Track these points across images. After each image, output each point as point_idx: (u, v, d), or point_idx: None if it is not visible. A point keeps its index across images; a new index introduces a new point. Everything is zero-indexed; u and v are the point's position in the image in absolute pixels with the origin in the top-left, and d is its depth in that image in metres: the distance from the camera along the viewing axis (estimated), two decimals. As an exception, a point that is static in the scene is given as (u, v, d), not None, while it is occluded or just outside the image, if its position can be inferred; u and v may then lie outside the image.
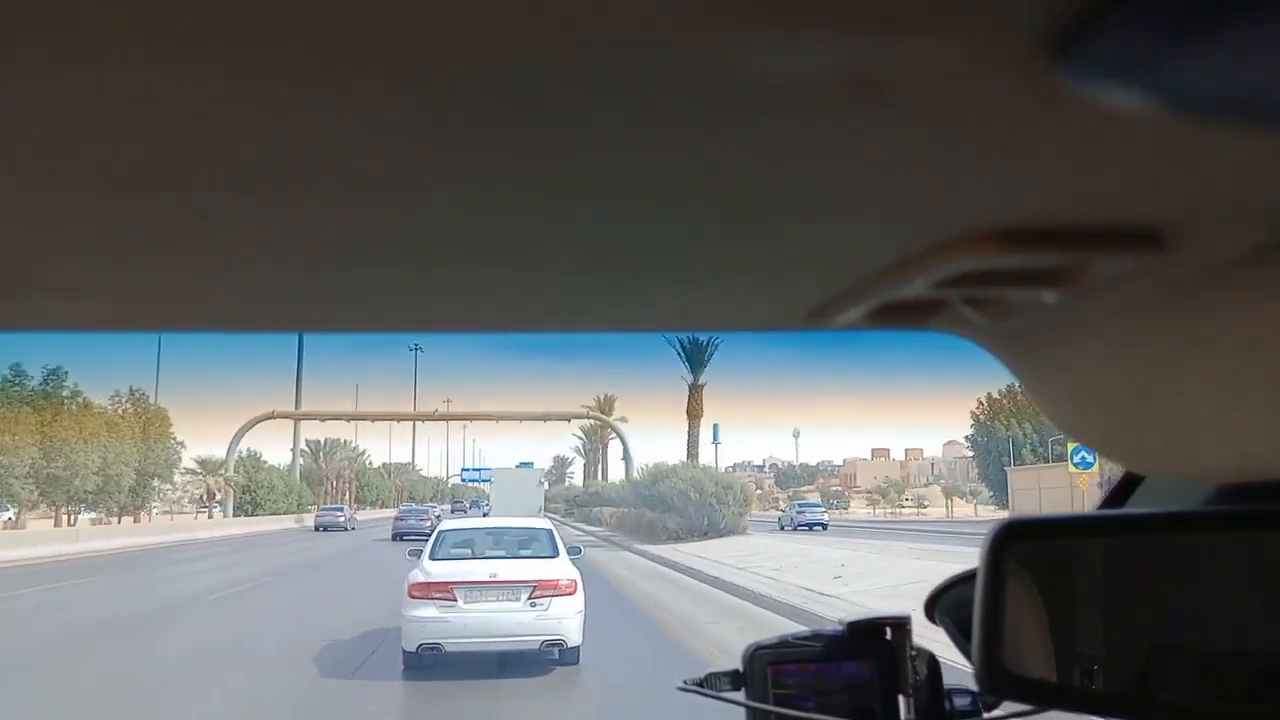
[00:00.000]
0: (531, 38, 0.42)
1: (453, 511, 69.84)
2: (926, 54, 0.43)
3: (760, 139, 0.53)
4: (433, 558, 11.17)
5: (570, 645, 10.30)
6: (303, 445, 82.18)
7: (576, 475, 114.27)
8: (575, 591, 10.44)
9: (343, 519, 49.39)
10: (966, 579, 1.11)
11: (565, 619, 10.23)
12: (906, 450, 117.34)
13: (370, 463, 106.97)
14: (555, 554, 11.31)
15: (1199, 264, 0.68)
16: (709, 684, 1.29)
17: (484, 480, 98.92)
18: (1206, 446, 0.81)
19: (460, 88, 0.47)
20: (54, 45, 0.43)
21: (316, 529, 47.58)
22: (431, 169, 0.58)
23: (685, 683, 1.31)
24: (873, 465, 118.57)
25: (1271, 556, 0.87)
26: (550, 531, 12.03)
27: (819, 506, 56.71)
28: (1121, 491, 1.13)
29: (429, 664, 10.15)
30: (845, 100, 0.47)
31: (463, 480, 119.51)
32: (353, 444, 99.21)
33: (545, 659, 10.35)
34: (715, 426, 55.46)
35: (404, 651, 10.21)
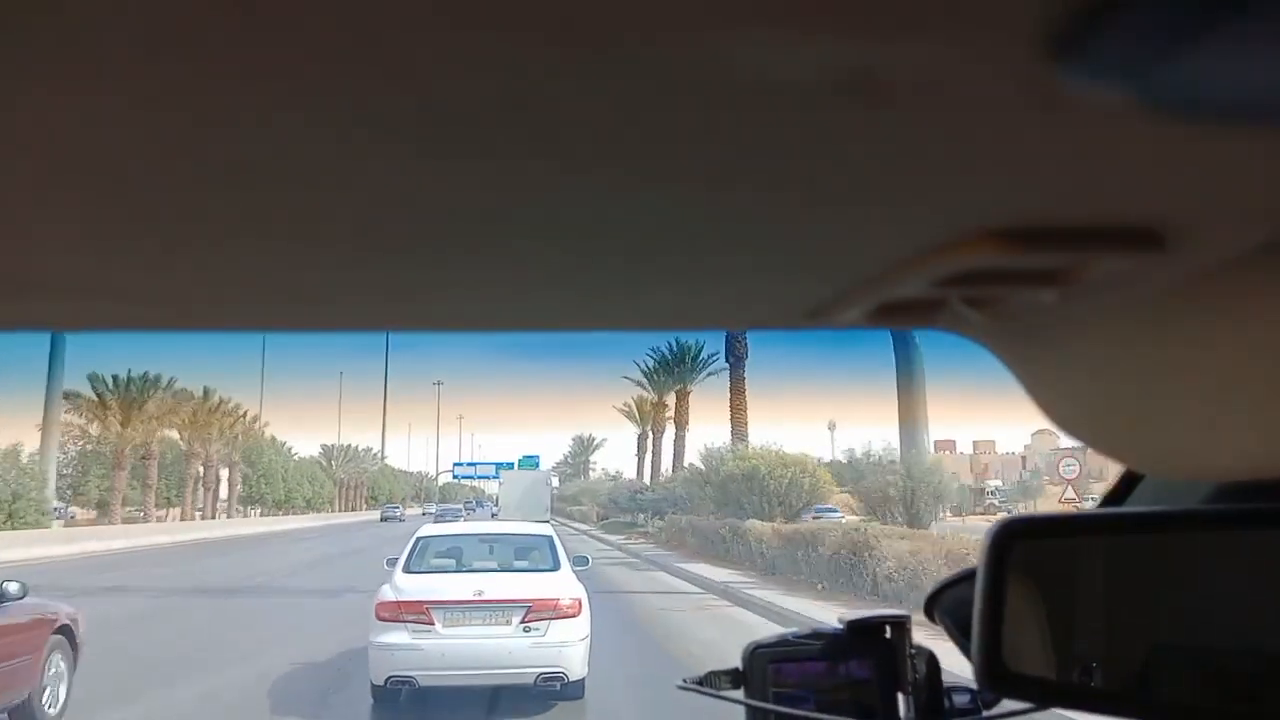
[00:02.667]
0: (530, 37, 0.42)
1: (464, 510, 68.10)
2: (926, 54, 0.43)
3: (760, 139, 0.53)
4: (407, 570, 9.35)
5: (572, 679, 8.54)
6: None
7: (608, 460, 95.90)
8: (580, 613, 8.72)
9: (399, 514, 69.27)
10: (966, 578, 1.11)
11: (567, 647, 8.54)
12: (975, 443, 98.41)
13: (275, 439, 67.29)
14: (556, 566, 9.53)
15: (1199, 264, 0.68)
16: (709, 683, 1.29)
17: (481, 477, 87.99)
18: (1206, 445, 0.81)
19: (459, 87, 0.47)
20: (54, 45, 0.43)
21: (382, 520, 65.71)
22: (430, 168, 0.58)
23: (685, 681, 1.31)
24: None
25: (1272, 555, 0.87)
26: (550, 539, 10.15)
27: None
28: (1121, 490, 1.13)
29: (403, 699, 8.54)
30: (845, 100, 0.47)
31: (455, 477, 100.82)
32: (233, 404, 55.13)
33: (546, 694, 8.58)
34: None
35: (372, 685, 8.60)
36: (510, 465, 69.83)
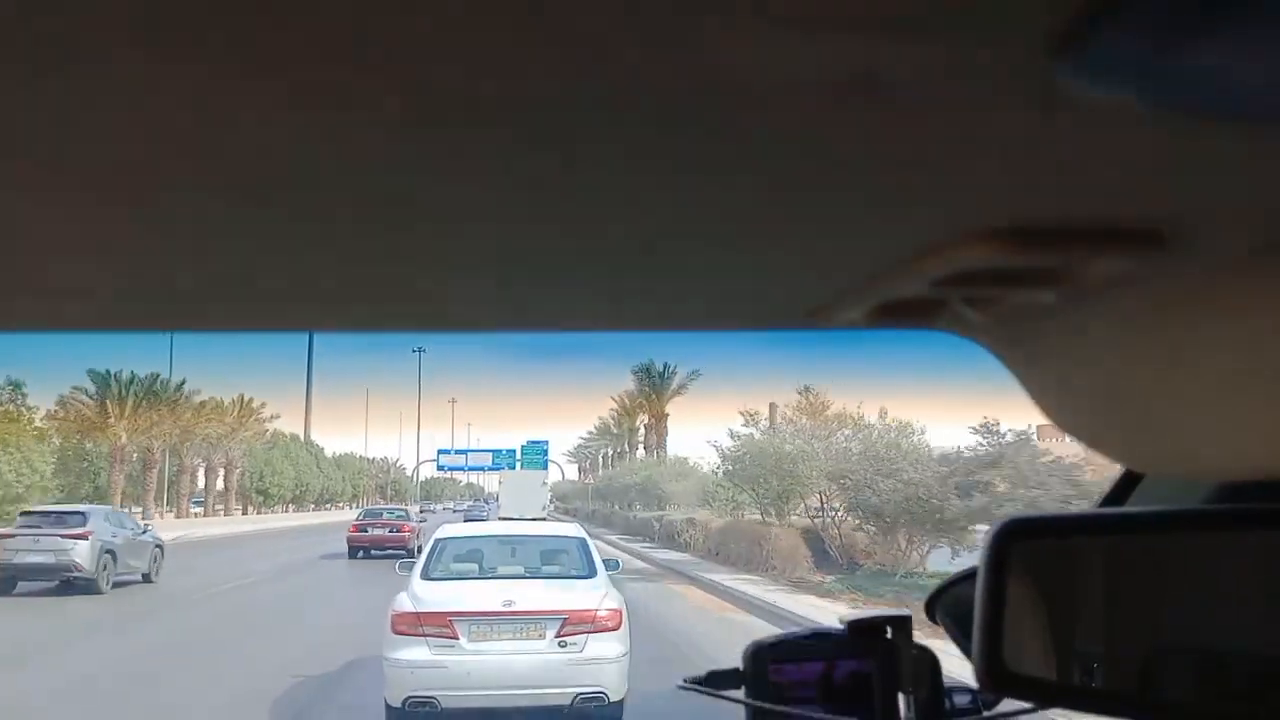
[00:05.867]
0: (531, 37, 0.42)
1: (488, 507, 57.73)
2: (927, 54, 0.43)
3: (760, 139, 0.53)
4: (426, 576, 8.39)
5: (613, 699, 7.57)
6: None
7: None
8: (620, 626, 7.78)
9: (433, 509, 66.70)
10: (967, 578, 1.11)
11: (606, 664, 7.58)
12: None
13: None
14: (591, 573, 8.50)
15: (1199, 264, 0.68)
16: (710, 682, 1.29)
17: (474, 469, 68.57)
18: (1206, 445, 0.81)
19: (459, 88, 0.47)
20: (54, 45, 0.43)
21: (420, 513, 68.49)
22: (431, 169, 0.58)
23: (686, 681, 1.31)
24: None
25: (1272, 555, 0.87)
26: (583, 540, 9.15)
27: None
28: (1121, 490, 1.13)
29: None
30: (845, 100, 0.47)
31: (440, 468, 74.51)
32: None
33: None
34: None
35: (387, 707, 7.60)
36: (512, 453, 59.41)
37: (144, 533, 21.28)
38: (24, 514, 20.58)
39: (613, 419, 60.40)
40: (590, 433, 68.45)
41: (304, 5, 0.40)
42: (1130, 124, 0.47)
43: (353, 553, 27.54)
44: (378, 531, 28.52)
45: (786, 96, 0.47)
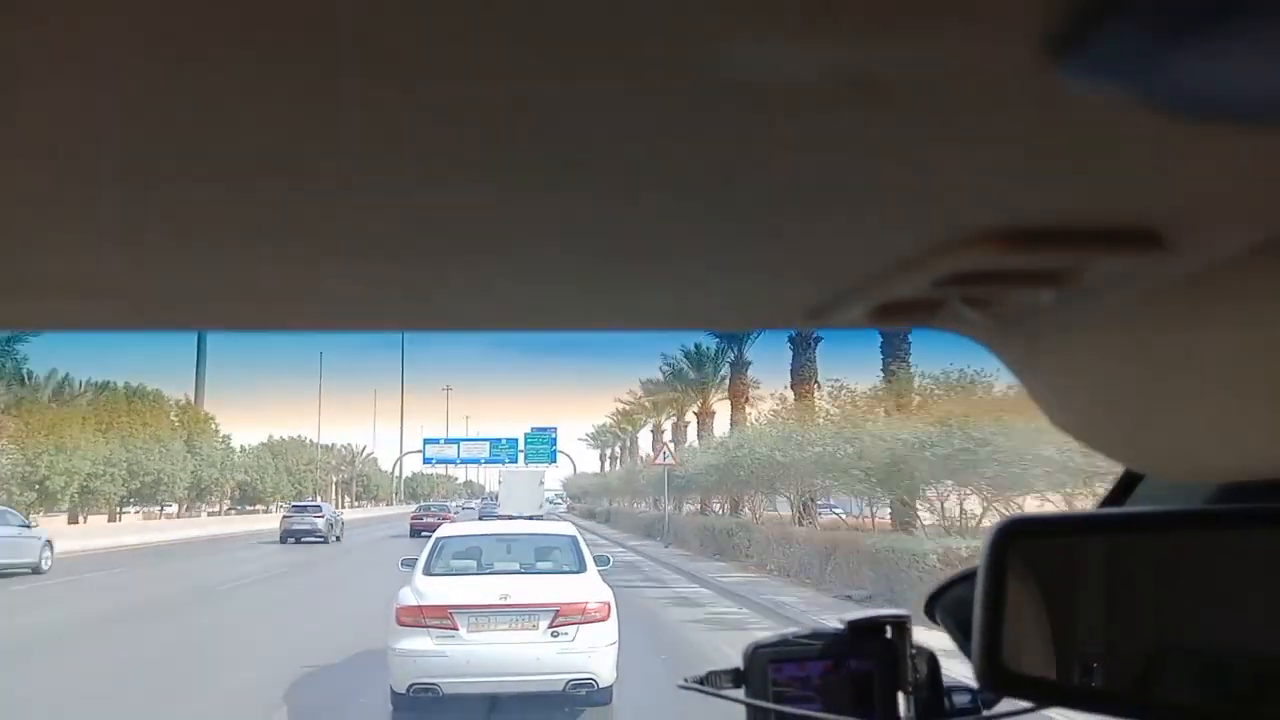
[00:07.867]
0: (531, 37, 0.42)
1: (482, 503, 55.82)
2: (927, 54, 0.43)
3: (760, 139, 0.53)
4: (428, 572, 9.01)
5: (602, 685, 8.22)
6: None
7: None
8: (609, 617, 8.43)
9: (450, 509, 69.05)
10: (967, 578, 1.11)
11: (596, 652, 8.20)
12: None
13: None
14: (582, 568, 9.17)
15: (1199, 264, 0.68)
16: (710, 682, 1.29)
17: (468, 461, 59.76)
18: (1206, 445, 0.81)
19: (460, 87, 0.47)
20: (54, 45, 0.43)
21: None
22: (431, 169, 0.58)
23: (686, 680, 1.31)
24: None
25: (1272, 555, 0.87)
26: (575, 539, 9.80)
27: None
28: (1121, 490, 1.13)
29: (425, 707, 8.19)
30: (845, 100, 0.47)
31: (427, 460, 60.86)
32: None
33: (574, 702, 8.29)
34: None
35: (392, 692, 8.23)
36: (514, 443, 53.91)
37: (338, 514, 42.23)
38: (293, 505, 42.15)
39: (687, 361, 38.96)
40: (629, 402, 50.38)
41: (307, 7, 0.40)
42: (1130, 124, 0.47)
43: (413, 533, 39.90)
44: (429, 520, 40.37)
45: (786, 96, 0.47)
